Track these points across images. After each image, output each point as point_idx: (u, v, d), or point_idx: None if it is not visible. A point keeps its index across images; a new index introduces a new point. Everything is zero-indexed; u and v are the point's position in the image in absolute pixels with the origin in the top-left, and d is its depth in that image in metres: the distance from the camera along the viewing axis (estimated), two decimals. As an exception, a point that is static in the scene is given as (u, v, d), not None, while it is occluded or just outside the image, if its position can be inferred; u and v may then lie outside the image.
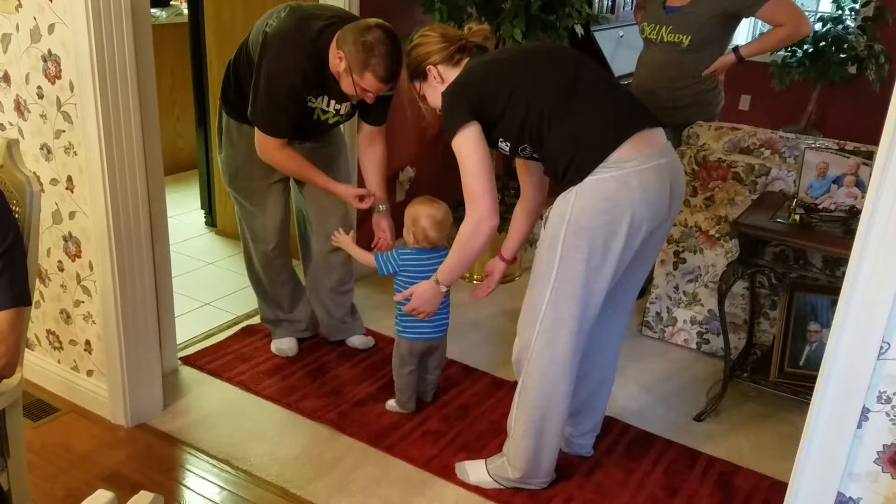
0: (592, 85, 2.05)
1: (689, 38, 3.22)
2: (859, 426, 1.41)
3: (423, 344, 2.60)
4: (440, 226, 2.51)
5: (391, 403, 2.71)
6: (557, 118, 1.99)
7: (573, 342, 2.09)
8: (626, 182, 1.94)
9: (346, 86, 2.42)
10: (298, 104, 2.49)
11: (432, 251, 2.52)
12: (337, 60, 2.38)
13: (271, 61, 2.42)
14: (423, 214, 2.50)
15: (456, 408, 2.74)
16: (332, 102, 2.56)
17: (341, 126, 2.78)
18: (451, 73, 2.13)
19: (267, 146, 2.53)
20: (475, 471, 2.37)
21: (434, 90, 2.16)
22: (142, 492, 0.90)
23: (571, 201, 1.98)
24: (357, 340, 3.07)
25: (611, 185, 1.94)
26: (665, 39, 3.28)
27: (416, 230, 2.50)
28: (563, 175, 2.00)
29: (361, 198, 2.64)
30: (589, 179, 1.95)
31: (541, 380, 2.14)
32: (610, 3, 5.00)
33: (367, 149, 2.75)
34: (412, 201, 2.57)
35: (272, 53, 2.42)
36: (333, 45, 2.40)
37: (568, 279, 2.03)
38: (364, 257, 2.62)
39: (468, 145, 2.03)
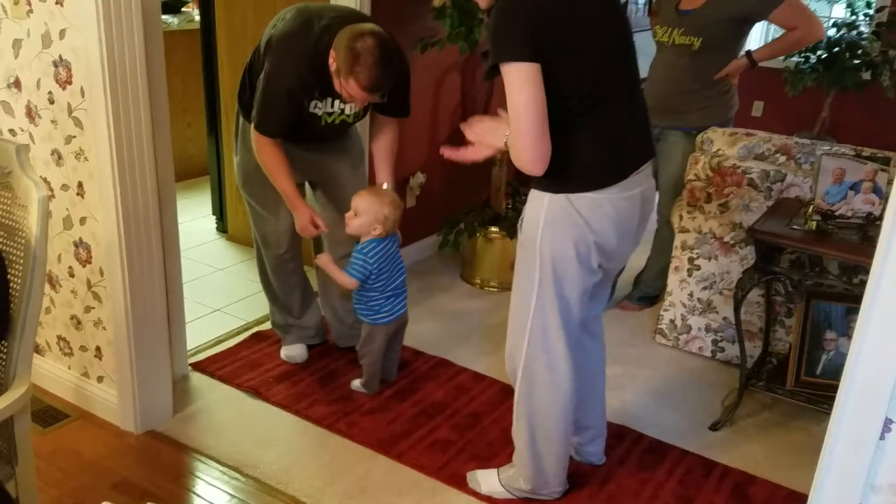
0: (627, 86, 1.96)
1: (700, 40, 3.19)
2: (882, 437, 1.38)
3: (396, 322, 2.72)
4: (398, 207, 2.63)
5: (356, 384, 2.80)
6: (589, 117, 1.89)
7: (563, 349, 2.07)
8: (600, 206, 1.94)
9: (336, 86, 2.41)
10: (296, 107, 2.48)
11: (390, 237, 2.65)
12: (331, 60, 2.38)
13: (272, 65, 2.43)
14: (385, 204, 2.57)
15: (466, 415, 2.72)
16: (337, 103, 2.54)
17: (356, 126, 2.77)
18: None
19: (258, 143, 2.53)
20: (487, 480, 2.34)
21: None
22: None
23: (545, 205, 1.95)
24: (367, 347, 3.05)
25: (582, 203, 1.93)
26: (676, 42, 3.26)
27: (385, 221, 2.57)
28: (548, 171, 1.86)
29: (316, 225, 2.61)
30: (564, 195, 1.94)
31: (537, 389, 2.11)
32: (622, 9, 4.98)
33: (377, 133, 2.73)
34: (357, 197, 2.59)
35: (274, 57, 2.43)
36: (334, 45, 2.39)
37: (549, 288, 2.01)
38: (340, 276, 2.64)
39: (521, 77, 1.76)
